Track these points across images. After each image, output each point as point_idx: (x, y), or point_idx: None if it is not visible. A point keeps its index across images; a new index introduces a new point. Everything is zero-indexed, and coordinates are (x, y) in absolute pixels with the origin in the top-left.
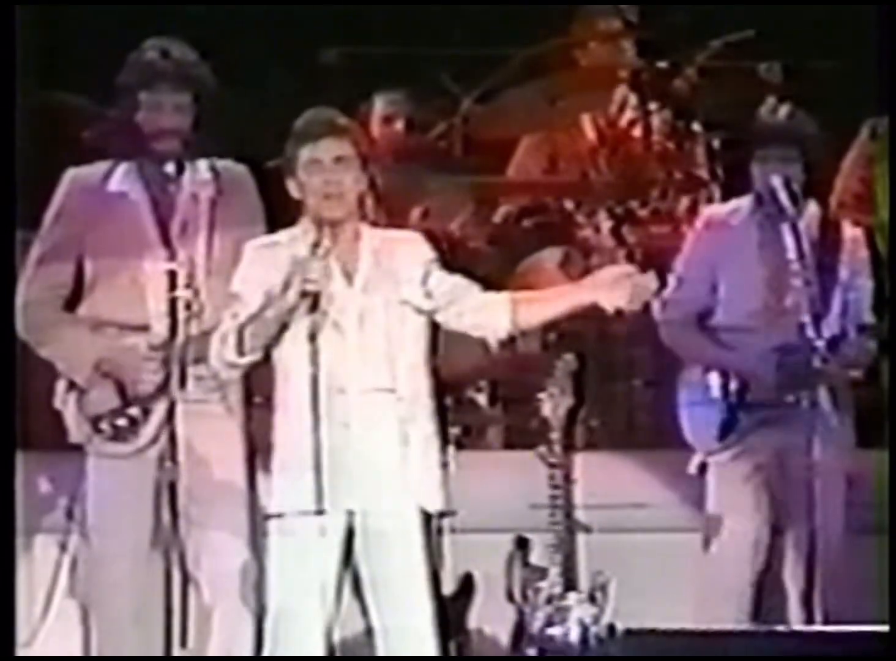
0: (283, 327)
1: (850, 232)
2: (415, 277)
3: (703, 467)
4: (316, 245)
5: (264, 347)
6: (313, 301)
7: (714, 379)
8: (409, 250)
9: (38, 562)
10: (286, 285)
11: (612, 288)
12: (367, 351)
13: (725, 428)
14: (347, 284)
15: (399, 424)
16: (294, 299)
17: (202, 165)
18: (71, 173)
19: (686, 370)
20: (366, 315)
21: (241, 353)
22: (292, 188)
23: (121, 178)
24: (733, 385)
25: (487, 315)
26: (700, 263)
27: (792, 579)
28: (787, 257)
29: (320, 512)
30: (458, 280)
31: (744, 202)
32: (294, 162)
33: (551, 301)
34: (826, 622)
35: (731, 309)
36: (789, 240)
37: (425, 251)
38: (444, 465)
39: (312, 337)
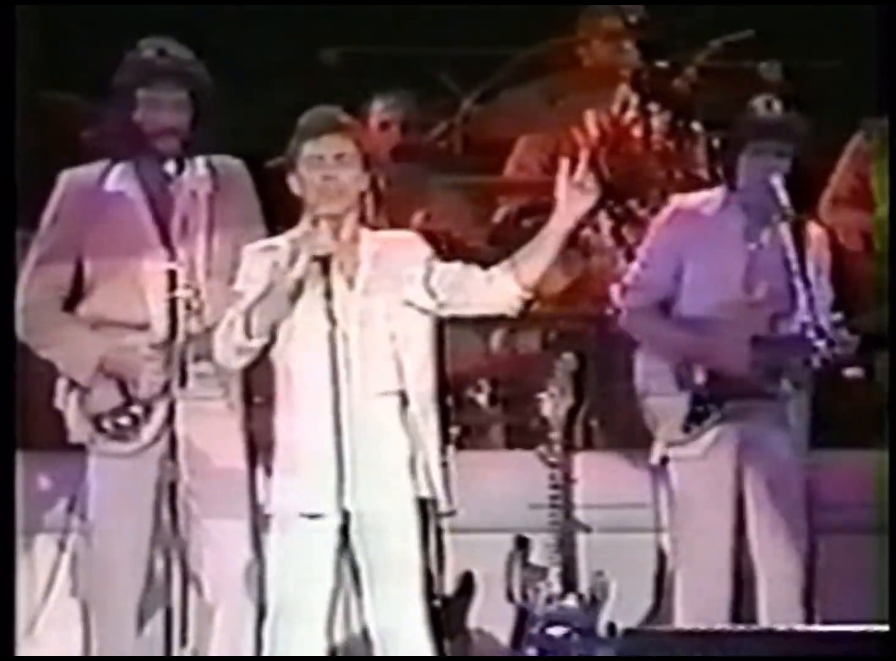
0: (290, 305)
1: (816, 231)
2: (416, 276)
3: (664, 460)
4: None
5: (271, 327)
6: (324, 264)
7: (679, 369)
8: (409, 251)
9: (38, 562)
10: (293, 257)
11: (577, 194)
12: (370, 354)
13: (689, 419)
14: (348, 287)
15: (406, 425)
16: (303, 269)
17: (198, 161)
18: (67, 175)
19: (644, 360)
20: (368, 318)
21: (248, 335)
22: (293, 184)
23: (117, 177)
24: (698, 376)
25: (495, 291)
26: (665, 251)
27: (765, 575)
28: (762, 250)
29: (315, 516)
30: (456, 268)
31: (715, 194)
32: (296, 157)
33: (545, 246)
34: (825, 622)
35: (700, 299)
36: (766, 234)
37: (424, 250)
38: (444, 464)
39: (314, 341)
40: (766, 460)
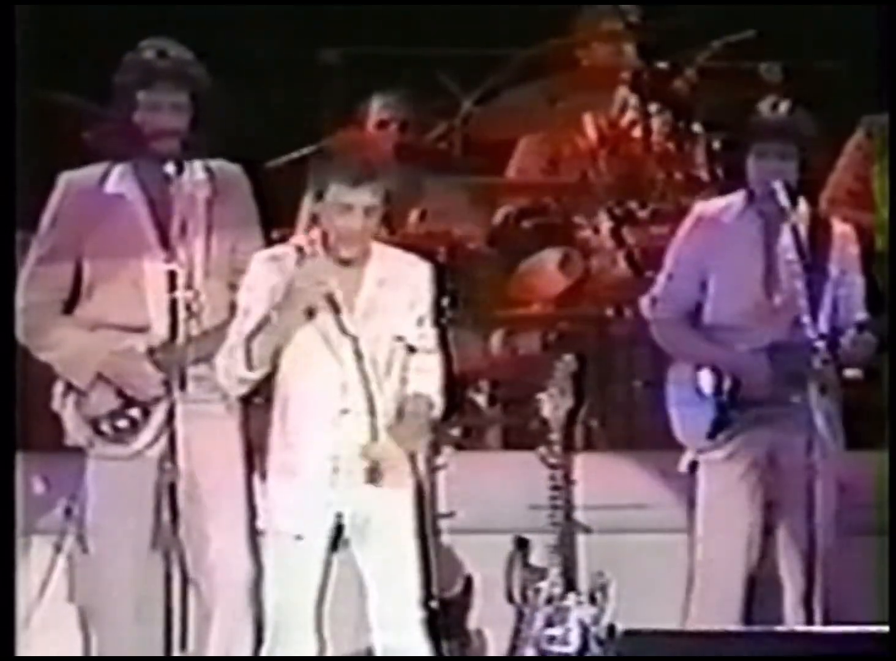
0: (290, 336)
1: (840, 228)
2: (412, 318)
3: (693, 466)
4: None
5: (272, 358)
6: (332, 306)
7: (705, 377)
8: (413, 286)
9: (34, 564)
10: (290, 292)
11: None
12: (358, 377)
13: (716, 426)
14: (349, 310)
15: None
16: (300, 316)
17: (196, 165)
18: (66, 177)
19: (676, 368)
20: (362, 341)
21: (250, 367)
22: (309, 202)
23: (117, 180)
24: (724, 383)
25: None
26: (690, 260)
27: (788, 578)
28: (780, 255)
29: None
30: (433, 340)
31: (735, 199)
32: (324, 189)
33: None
34: (826, 622)
35: (723, 307)
36: (782, 237)
37: (426, 294)
38: (443, 467)
39: (311, 361)
40: (794, 464)
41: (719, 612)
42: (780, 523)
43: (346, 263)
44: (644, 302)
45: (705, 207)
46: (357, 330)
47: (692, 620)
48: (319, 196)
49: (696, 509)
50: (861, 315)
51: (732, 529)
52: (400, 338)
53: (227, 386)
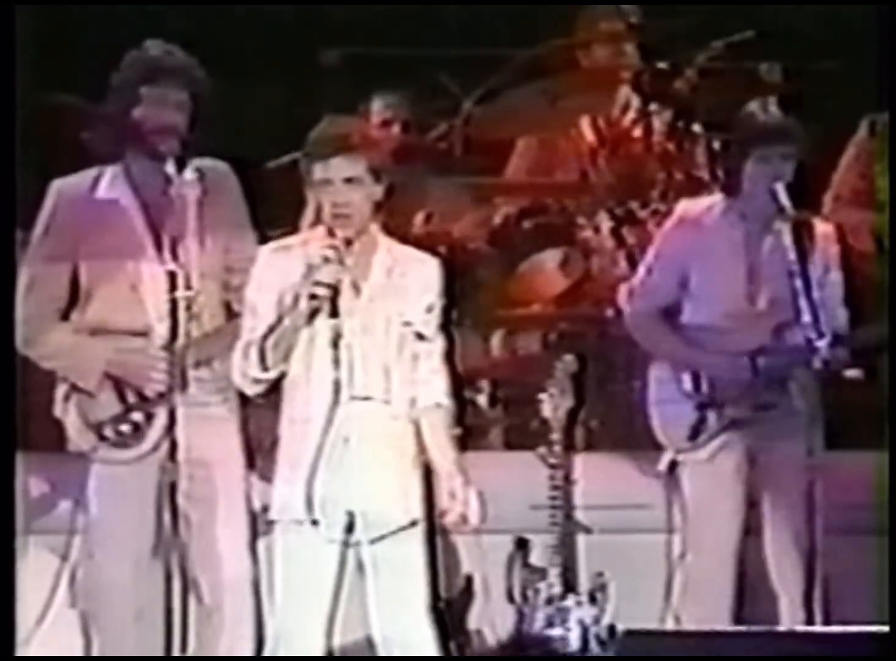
0: (301, 333)
1: (822, 228)
2: (421, 305)
3: (672, 466)
4: (331, 248)
5: (286, 357)
6: (332, 308)
7: (685, 378)
8: (422, 274)
9: (33, 567)
10: (297, 294)
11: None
12: (368, 362)
13: (696, 428)
14: (355, 295)
15: (394, 438)
16: (306, 307)
17: (187, 166)
18: (56, 185)
19: (656, 367)
20: (370, 326)
21: (264, 368)
22: (310, 197)
23: (108, 184)
24: (704, 384)
25: (421, 382)
26: (670, 257)
27: (779, 579)
28: (763, 258)
29: (315, 522)
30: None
31: (718, 201)
32: (309, 176)
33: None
34: (825, 622)
35: (704, 308)
36: (766, 241)
37: (435, 284)
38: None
39: (317, 349)
40: (776, 464)
41: (705, 612)
42: (765, 524)
43: (347, 243)
44: (622, 293)
45: (687, 207)
46: (363, 314)
47: (678, 620)
48: (311, 188)
49: (681, 510)
50: (839, 313)
51: (717, 529)
52: (408, 323)
53: (241, 386)
